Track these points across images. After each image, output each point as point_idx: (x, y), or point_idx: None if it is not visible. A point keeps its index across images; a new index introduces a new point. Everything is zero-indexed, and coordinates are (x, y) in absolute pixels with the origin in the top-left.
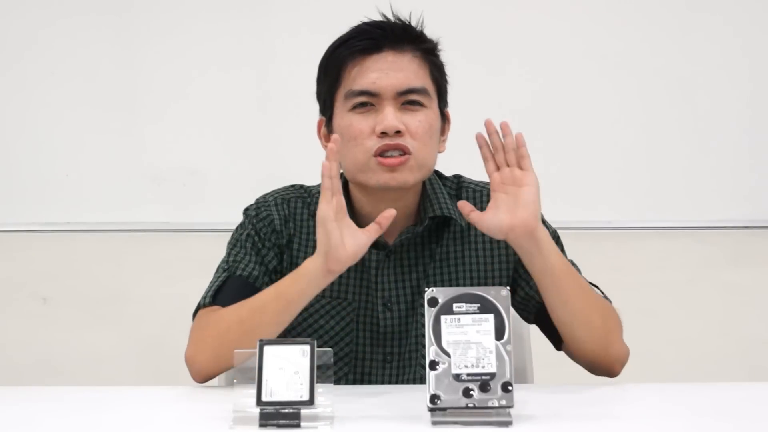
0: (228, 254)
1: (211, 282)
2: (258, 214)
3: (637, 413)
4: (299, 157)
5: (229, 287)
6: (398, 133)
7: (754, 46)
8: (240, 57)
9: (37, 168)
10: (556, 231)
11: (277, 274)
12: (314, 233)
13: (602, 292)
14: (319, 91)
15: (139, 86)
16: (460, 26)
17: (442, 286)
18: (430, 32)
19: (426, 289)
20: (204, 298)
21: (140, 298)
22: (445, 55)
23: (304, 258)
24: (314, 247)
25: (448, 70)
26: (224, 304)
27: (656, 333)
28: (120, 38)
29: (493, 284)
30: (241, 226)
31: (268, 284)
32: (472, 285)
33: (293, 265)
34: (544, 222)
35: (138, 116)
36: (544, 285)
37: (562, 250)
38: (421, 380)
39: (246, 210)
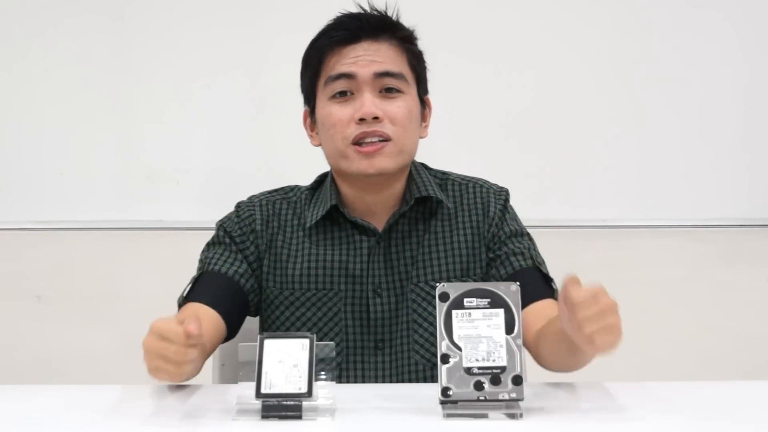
0: (203, 253)
1: (189, 281)
2: (240, 214)
3: (637, 410)
4: (292, 157)
5: (200, 283)
6: (376, 119)
7: (751, 43)
8: (234, 57)
9: (31, 166)
10: (529, 234)
11: (254, 269)
12: (297, 231)
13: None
14: (302, 84)
15: (133, 85)
16: (457, 27)
17: (431, 270)
18: (425, 31)
19: (414, 275)
20: (180, 298)
21: (134, 295)
22: (442, 56)
23: (287, 255)
24: (297, 245)
25: (447, 71)
26: (196, 299)
27: (651, 331)
28: (114, 37)
29: (478, 265)
30: (221, 227)
31: (242, 275)
32: (457, 268)
33: (278, 262)
34: (521, 229)
35: (132, 114)
36: (562, 348)
37: (534, 248)
38: (416, 365)
39: (237, 205)
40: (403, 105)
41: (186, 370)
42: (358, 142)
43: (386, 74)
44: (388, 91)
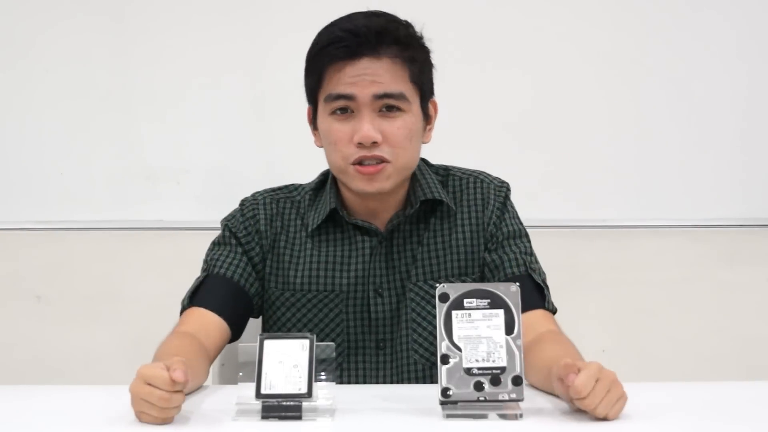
0: (209, 253)
1: (194, 282)
2: (244, 213)
3: (636, 411)
4: (293, 156)
5: (206, 286)
6: (375, 143)
7: (750, 44)
8: (235, 57)
9: (32, 166)
10: (527, 233)
11: (258, 271)
12: (300, 233)
13: (550, 300)
14: (305, 84)
15: (133, 85)
16: (457, 27)
17: (430, 270)
18: (427, 31)
19: (414, 274)
20: (184, 300)
21: (134, 296)
22: (445, 57)
23: (290, 257)
24: (299, 246)
25: (447, 72)
26: (201, 304)
27: (651, 331)
28: (114, 37)
29: (477, 263)
30: (226, 226)
31: (247, 279)
32: (456, 267)
33: (280, 263)
34: (520, 229)
35: (132, 114)
36: (548, 386)
37: (530, 251)
38: (415, 365)
39: (241, 203)
40: (403, 125)
41: (171, 415)
42: (358, 162)
43: (386, 95)
44: (388, 110)
